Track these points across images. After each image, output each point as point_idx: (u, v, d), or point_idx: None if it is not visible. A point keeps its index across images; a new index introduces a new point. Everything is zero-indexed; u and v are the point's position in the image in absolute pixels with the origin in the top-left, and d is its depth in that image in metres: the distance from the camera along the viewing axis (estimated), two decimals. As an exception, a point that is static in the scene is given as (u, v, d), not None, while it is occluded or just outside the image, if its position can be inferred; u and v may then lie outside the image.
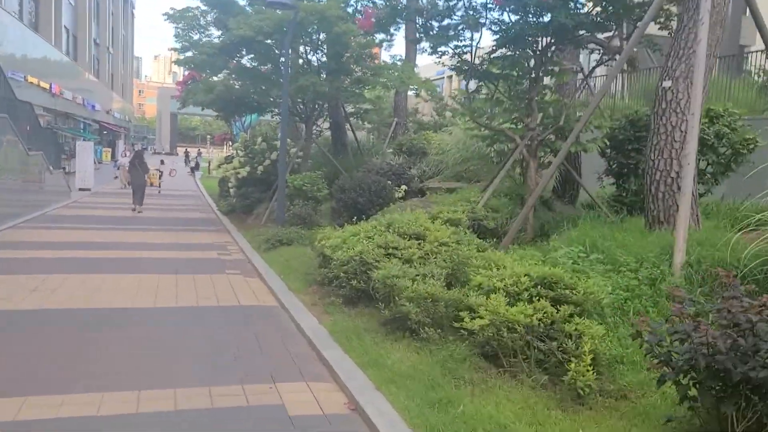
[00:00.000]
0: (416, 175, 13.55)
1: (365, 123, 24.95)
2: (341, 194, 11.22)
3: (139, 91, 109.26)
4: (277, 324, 7.63)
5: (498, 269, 6.32)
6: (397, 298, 6.42)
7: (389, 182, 11.55)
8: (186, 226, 17.11)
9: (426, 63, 29.42)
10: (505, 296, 5.67)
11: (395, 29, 21.48)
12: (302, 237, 12.70)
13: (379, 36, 20.37)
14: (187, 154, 59.41)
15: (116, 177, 26.16)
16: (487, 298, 5.66)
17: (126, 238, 14.08)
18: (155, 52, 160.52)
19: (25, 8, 33.01)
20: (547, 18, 9.76)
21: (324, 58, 16.23)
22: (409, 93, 25.62)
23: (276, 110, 20.47)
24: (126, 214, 19.23)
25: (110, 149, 52.29)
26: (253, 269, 10.94)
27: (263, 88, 15.74)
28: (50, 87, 34.05)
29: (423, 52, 26.20)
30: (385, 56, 65.17)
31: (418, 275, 6.65)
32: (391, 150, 20.66)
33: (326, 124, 22.00)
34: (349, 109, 21.09)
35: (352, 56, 15.97)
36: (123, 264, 11.08)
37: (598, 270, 6.88)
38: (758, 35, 8.34)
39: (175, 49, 15.09)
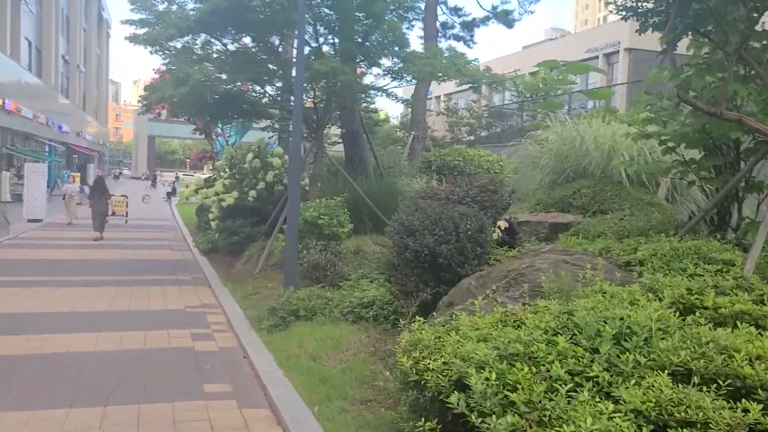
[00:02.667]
0: (504, 204, 8.54)
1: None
2: (406, 238, 6.19)
3: (117, 115, 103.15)
4: None
5: None
6: None
7: (484, 216, 6.51)
8: (150, 274, 11.89)
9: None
10: None
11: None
12: (329, 304, 7.63)
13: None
14: (154, 177, 53.76)
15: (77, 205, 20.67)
16: None
17: (55, 304, 8.86)
18: (135, 77, 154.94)
19: (-28, 12, 27.64)
20: None
21: (336, 40, 11.33)
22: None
23: (271, 121, 15.44)
24: (73, 255, 13.94)
25: (80, 173, 46.50)
26: (257, 385, 5.78)
27: (264, 78, 10.73)
28: (3, 103, 28.59)
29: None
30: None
31: None
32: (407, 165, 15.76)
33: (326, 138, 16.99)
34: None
35: (380, 38, 11.10)
36: (20, 375, 5.88)
37: None
38: None
39: (130, 23, 10.03)
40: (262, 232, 12.83)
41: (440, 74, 10.49)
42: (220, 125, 20.21)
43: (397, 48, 11.58)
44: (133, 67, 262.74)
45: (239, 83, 13.34)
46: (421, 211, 6.46)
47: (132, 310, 8.68)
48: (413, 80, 12.16)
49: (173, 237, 18.75)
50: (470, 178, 12.85)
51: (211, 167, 65.87)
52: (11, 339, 6.92)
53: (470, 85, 11.15)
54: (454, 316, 4.76)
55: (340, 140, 17.83)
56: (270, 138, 17.08)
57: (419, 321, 4.35)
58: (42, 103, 36.46)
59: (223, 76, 11.88)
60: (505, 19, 19.56)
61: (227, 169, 14.21)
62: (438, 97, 41.45)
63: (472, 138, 24.33)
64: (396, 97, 13.36)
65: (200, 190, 14.42)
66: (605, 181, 8.37)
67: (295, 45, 13.34)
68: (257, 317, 7.90)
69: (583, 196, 8.27)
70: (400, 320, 6.48)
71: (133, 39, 9.86)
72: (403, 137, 25.37)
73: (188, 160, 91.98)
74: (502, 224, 7.05)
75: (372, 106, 18.11)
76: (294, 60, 12.73)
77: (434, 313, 5.94)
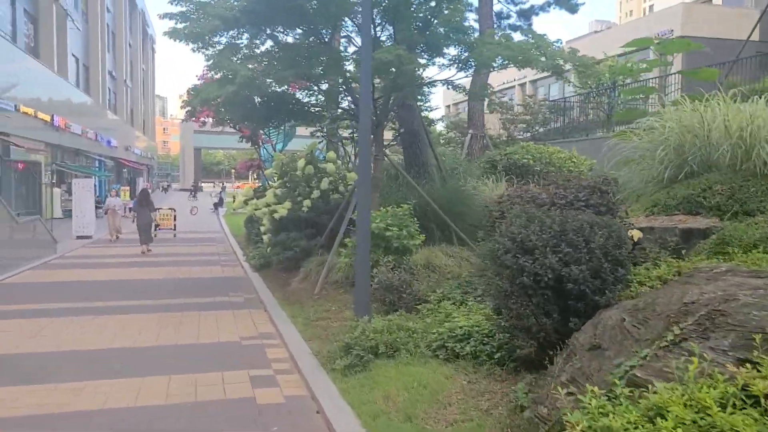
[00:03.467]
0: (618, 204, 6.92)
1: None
2: (521, 257, 4.69)
3: (164, 129, 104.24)
4: None
5: None
6: None
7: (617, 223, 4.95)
8: (200, 295, 10.66)
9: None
10: None
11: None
12: (413, 337, 6.18)
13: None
14: (193, 188, 53.31)
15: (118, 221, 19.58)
16: None
17: (92, 338, 7.65)
18: (180, 92, 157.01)
19: (20, 30, 27.26)
20: None
21: (393, 30, 9.90)
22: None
23: (319, 124, 14.11)
24: (118, 275, 12.88)
25: (129, 187, 46.38)
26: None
27: (319, 71, 9.37)
28: (52, 119, 28.19)
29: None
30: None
31: None
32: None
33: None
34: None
35: (442, 25, 9.66)
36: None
37: None
38: None
39: (170, 17, 8.80)
40: (319, 245, 11.49)
41: (520, 58, 8.92)
42: (266, 132, 19.06)
43: (461, 35, 10.12)
44: (178, 82, 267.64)
45: (287, 85, 12.08)
46: (537, 221, 4.94)
47: (180, 344, 7.40)
48: (484, 68, 10.61)
49: (222, 251, 17.63)
50: (551, 177, 11.25)
51: (255, 177, 65.29)
52: (35, 390, 5.69)
53: (551, 72, 9.53)
54: (631, 376, 3.25)
55: (393, 142, 16.46)
56: (320, 143, 15.77)
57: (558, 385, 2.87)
58: (90, 119, 36.23)
59: (269, 79, 10.60)
60: (568, 4, 17.85)
61: (276, 178, 12.93)
62: (522, 85, 39.49)
63: (528, 135, 22.61)
64: (464, 90, 11.83)
65: (250, 201, 13.19)
66: (743, 174, 6.69)
67: (345, 37, 12.07)
68: (326, 353, 6.51)
69: (716, 194, 6.61)
70: (510, 364, 5.01)
71: (173, 34, 8.62)
72: (455, 137, 23.81)
73: (233, 170, 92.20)
74: (636, 234, 5.48)
75: (427, 104, 16.62)
76: (346, 54, 11.41)
77: (559, 357, 4.44)
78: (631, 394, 3.09)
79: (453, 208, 11.24)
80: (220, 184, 57.68)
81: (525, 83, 37.44)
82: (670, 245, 6.09)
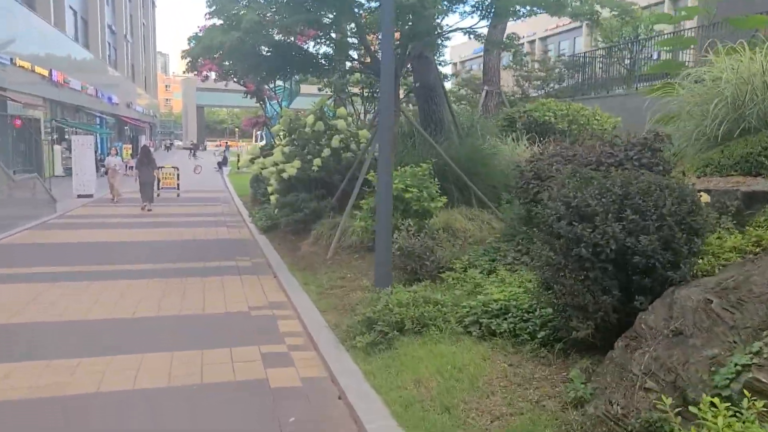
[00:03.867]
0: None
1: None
2: (577, 225, 3.98)
3: (166, 86, 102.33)
4: None
5: None
6: None
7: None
8: (205, 259, 10.04)
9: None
10: None
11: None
12: (441, 311, 5.53)
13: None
14: (193, 147, 52.40)
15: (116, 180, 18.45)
16: None
17: (89, 307, 7.04)
18: (183, 48, 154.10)
19: (14, -19, 26.03)
20: None
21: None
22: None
23: (327, 79, 13.25)
24: (120, 236, 12.26)
25: (131, 146, 45.54)
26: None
27: (329, 15, 8.51)
28: (50, 74, 27.22)
29: None
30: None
31: None
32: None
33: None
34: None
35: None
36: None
37: None
38: None
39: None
40: (329, 206, 10.80)
41: (552, 2, 8.03)
42: (272, 87, 18.16)
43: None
44: (181, 39, 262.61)
45: (294, 37, 11.20)
46: (597, 183, 4.23)
47: (184, 314, 6.79)
48: (510, 16, 9.71)
49: (227, 211, 16.97)
50: (577, 136, 10.49)
51: (259, 135, 64.03)
52: (26, 367, 5.08)
53: (586, 18, 8.65)
54: (750, 381, 2.60)
55: (404, 99, 15.62)
56: (329, 100, 14.92)
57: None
58: (90, 75, 35.17)
59: (275, 27, 9.70)
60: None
61: (283, 136, 12.14)
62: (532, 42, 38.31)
63: (542, 92, 21.64)
64: (487, 41, 10.95)
65: (256, 159, 12.43)
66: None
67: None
68: (344, 327, 5.88)
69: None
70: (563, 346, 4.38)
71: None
72: (468, 95, 22.86)
73: (237, 129, 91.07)
74: (705, 197, 4.77)
75: (441, 58, 15.70)
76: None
77: (621, 341, 3.79)
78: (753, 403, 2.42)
79: (472, 168, 10.52)
80: (224, 143, 56.72)
81: (534, 40, 36.19)
82: (730, 210, 5.38)
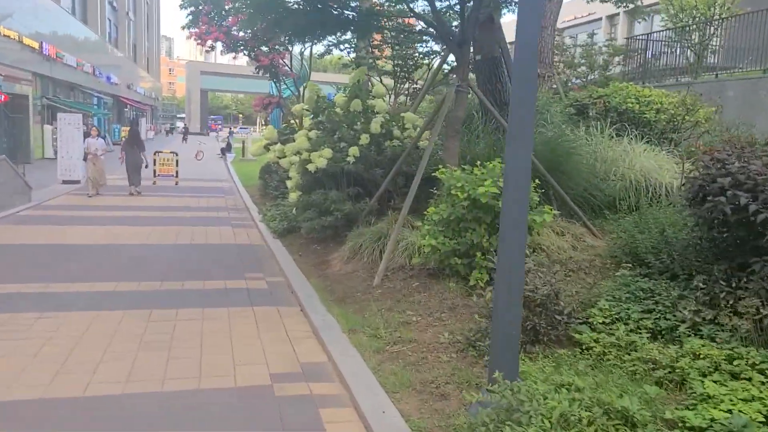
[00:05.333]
0: None
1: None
2: None
3: (170, 70, 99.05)
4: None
5: None
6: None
7: None
8: (204, 276, 7.42)
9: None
10: None
11: None
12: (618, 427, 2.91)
13: None
14: (184, 131, 49.45)
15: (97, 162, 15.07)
16: None
17: (18, 368, 4.42)
18: (187, 33, 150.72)
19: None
20: None
21: None
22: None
23: (362, 43, 10.61)
24: (99, 236, 9.62)
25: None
26: None
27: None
28: (41, 47, 24.48)
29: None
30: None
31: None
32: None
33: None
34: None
35: None
36: None
37: None
38: None
39: None
40: (368, 209, 8.18)
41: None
42: (287, 63, 15.43)
43: None
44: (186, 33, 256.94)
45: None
46: None
47: (168, 391, 4.15)
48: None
49: (232, 205, 14.31)
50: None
51: (264, 121, 61.53)
52: None
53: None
54: None
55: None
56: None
57: None
58: (87, 52, 32.40)
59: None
60: None
61: (304, 119, 9.50)
62: (611, 17, 35.29)
63: (586, 80, 18.93)
64: None
65: (273, 146, 9.78)
66: None
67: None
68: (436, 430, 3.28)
69: None
70: None
71: None
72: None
73: (241, 115, 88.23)
74: None
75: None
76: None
77: None
78: None
79: (555, 166, 7.92)
80: (228, 129, 53.98)
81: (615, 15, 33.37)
82: None
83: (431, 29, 7.95)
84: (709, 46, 14.67)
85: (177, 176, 18.57)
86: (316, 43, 14.30)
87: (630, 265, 5.40)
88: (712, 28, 14.39)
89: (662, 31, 15.85)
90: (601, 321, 4.44)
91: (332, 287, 6.70)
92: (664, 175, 8.22)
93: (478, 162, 6.15)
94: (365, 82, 12.62)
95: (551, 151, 8.03)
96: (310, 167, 8.19)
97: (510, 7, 9.02)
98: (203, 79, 63.66)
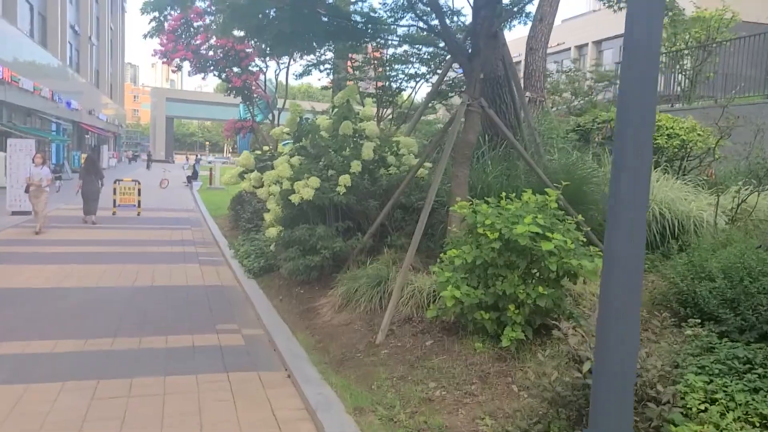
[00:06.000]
0: None
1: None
2: None
3: (134, 97, 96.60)
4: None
5: None
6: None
7: None
8: (165, 330, 6.12)
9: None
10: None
11: None
12: None
13: None
14: (148, 157, 48.21)
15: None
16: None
17: None
18: (152, 60, 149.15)
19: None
20: None
21: None
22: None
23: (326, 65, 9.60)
24: (43, 279, 8.20)
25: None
26: None
27: None
28: (-6, 69, 22.87)
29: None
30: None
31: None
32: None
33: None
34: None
35: None
36: None
37: None
38: None
39: None
40: (360, 246, 7.01)
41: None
42: (263, 85, 14.28)
43: None
44: (151, 51, 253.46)
45: None
46: None
47: None
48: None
49: (200, 239, 12.96)
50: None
51: (231, 149, 60.02)
52: None
53: None
54: None
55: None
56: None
57: None
58: (47, 76, 30.70)
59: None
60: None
61: (289, 138, 8.36)
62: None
63: (575, 104, 18.26)
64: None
65: (248, 174, 8.57)
66: None
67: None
68: None
69: None
70: None
71: None
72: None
73: (207, 143, 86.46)
74: None
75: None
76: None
77: None
78: None
79: (575, 197, 6.92)
80: (194, 156, 52.33)
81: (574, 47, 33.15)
82: None
83: (438, 40, 6.93)
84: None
85: (139, 206, 17.09)
86: (295, 61, 13.22)
87: (697, 320, 4.34)
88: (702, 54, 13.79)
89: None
90: (695, 399, 3.35)
91: (325, 344, 5.49)
92: (691, 207, 7.29)
93: (503, 194, 5.08)
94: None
95: (566, 180, 7.03)
96: (294, 198, 7.00)
97: (521, 19, 8.12)
98: (169, 106, 61.93)
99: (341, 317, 6.04)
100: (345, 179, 6.91)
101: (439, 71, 13.12)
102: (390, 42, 7.83)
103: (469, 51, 6.37)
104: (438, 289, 4.84)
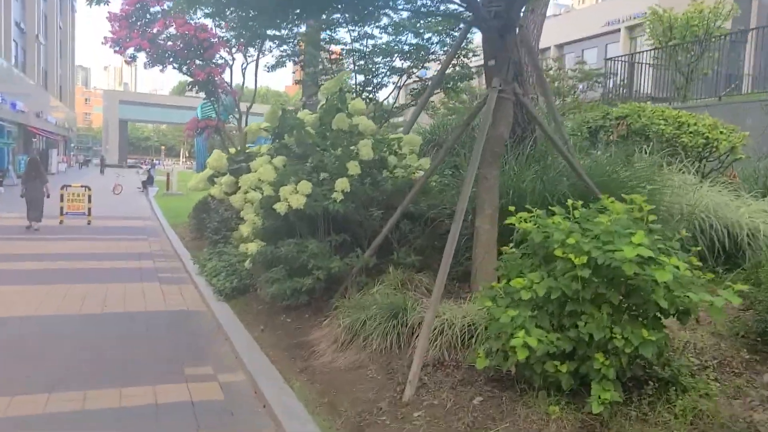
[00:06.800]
0: None
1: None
2: None
3: (86, 100, 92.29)
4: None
5: None
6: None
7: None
8: (119, 376, 4.67)
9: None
10: None
11: None
12: None
13: None
14: (102, 163, 46.35)
15: None
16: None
17: None
18: (105, 63, 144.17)
19: None
20: None
21: None
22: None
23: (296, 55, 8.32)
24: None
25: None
26: None
27: None
28: (-75, 65, 20.57)
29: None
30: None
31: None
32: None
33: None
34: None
35: None
36: None
37: None
38: None
39: None
40: (360, 265, 5.69)
41: None
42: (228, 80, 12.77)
43: None
44: (103, 54, 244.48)
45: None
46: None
47: None
48: None
49: (159, 251, 11.36)
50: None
51: (188, 152, 57.48)
52: None
53: None
54: None
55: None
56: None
57: None
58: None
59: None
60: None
61: (270, 137, 6.98)
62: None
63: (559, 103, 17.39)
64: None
65: (219, 177, 7.14)
66: None
67: None
68: None
69: None
70: None
71: None
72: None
73: (163, 147, 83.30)
74: None
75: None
76: None
77: None
78: None
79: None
80: (150, 161, 49.84)
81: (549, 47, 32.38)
82: None
83: (461, 9, 5.72)
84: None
85: (89, 214, 15.28)
86: (264, 54, 11.78)
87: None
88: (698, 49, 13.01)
89: (649, 50, 14.41)
90: None
91: (331, 399, 4.16)
92: (741, 213, 6.24)
93: (557, 204, 3.87)
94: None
95: (603, 186, 5.89)
96: (279, 207, 5.64)
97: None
98: (122, 109, 59.08)
99: (347, 358, 4.71)
100: (343, 183, 5.59)
101: (424, 67, 11.93)
102: (402, 8, 6.51)
103: (502, 23, 5.15)
104: (494, 330, 3.55)
